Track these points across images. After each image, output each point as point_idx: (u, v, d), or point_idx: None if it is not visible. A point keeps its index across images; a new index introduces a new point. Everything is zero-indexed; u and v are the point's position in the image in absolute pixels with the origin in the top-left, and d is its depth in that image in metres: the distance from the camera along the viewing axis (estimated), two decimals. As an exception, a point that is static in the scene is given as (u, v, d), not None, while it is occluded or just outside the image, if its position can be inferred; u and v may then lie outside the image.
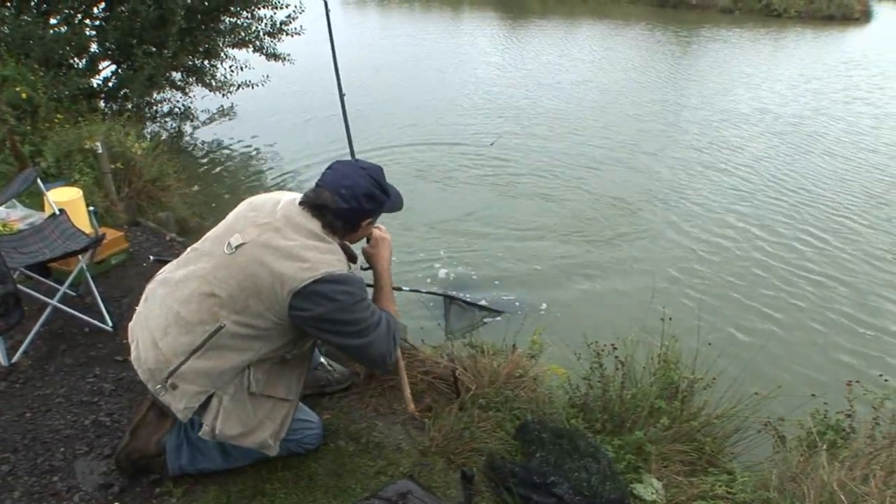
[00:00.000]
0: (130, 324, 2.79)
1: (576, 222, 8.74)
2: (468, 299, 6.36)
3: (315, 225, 2.51)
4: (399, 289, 5.27)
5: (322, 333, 2.53)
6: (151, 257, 5.17)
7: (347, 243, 2.70)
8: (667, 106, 15.07)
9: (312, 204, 2.53)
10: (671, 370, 3.61)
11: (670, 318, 3.81)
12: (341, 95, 3.70)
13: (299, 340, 2.64)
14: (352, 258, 2.70)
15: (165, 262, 4.45)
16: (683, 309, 6.48)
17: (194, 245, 2.72)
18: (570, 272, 7.38)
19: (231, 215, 2.69)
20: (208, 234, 2.70)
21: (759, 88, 16.81)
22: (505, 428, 3.32)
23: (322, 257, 2.43)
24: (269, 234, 2.46)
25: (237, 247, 2.47)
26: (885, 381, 3.87)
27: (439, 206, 9.09)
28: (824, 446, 3.16)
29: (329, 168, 2.62)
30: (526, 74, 17.82)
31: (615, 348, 3.64)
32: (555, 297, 6.79)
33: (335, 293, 2.41)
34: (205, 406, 2.60)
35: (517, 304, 6.53)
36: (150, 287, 2.79)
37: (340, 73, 3.88)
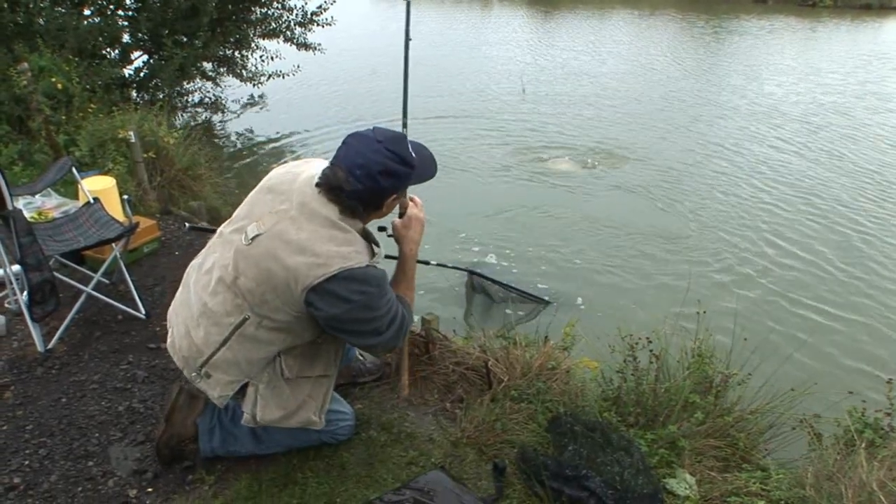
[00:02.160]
0: (170, 309, 2.75)
1: (612, 216, 8.67)
2: (494, 278, 6.32)
3: (331, 211, 2.30)
4: (427, 262, 5.27)
5: (336, 332, 2.43)
6: (187, 224, 5.18)
7: (369, 229, 2.49)
8: (701, 98, 14.92)
9: (328, 186, 2.31)
10: (705, 364, 3.56)
11: (704, 312, 3.77)
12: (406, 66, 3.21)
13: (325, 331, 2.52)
14: (374, 245, 2.46)
15: (200, 230, 4.53)
16: (719, 303, 6.42)
17: (222, 227, 2.60)
18: (605, 265, 7.32)
19: (252, 194, 2.54)
20: (235, 213, 2.57)
21: (795, 79, 16.59)
22: (537, 420, 3.30)
23: (337, 250, 2.25)
24: (283, 224, 2.30)
25: (253, 238, 2.33)
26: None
27: (477, 194, 9.11)
28: (863, 445, 3.10)
29: (343, 143, 2.37)
30: (558, 65, 17.72)
31: (650, 341, 3.60)
32: (589, 289, 6.74)
33: (350, 293, 2.26)
34: (242, 393, 2.59)
35: (547, 296, 6.48)
36: (187, 272, 2.72)
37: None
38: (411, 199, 2.74)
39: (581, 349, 3.87)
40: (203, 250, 2.71)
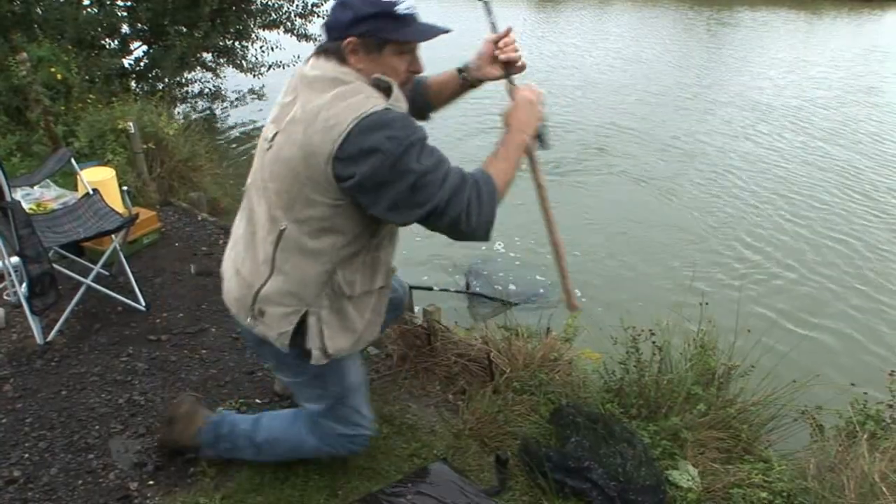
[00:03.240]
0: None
1: (614, 206, 8.65)
2: (493, 295, 6.31)
3: (330, 67, 2.03)
4: (430, 288, 5.27)
5: (379, 209, 2.01)
6: (192, 267, 4.88)
7: (383, 78, 2.06)
8: (701, 89, 14.87)
9: (321, 47, 2.09)
10: (708, 356, 3.55)
11: (707, 303, 3.75)
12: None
13: (374, 223, 2.16)
14: (386, 90, 2.05)
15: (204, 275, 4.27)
16: (722, 295, 6.40)
17: None
18: (606, 257, 7.31)
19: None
20: None
21: (794, 73, 16.54)
22: (539, 412, 3.29)
23: (346, 103, 1.94)
24: (293, 108, 2.06)
25: (272, 137, 2.12)
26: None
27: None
28: (864, 436, 3.09)
29: None
30: (554, 58, 17.68)
31: (653, 333, 3.59)
32: (590, 281, 6.72)
33: (374, 142, 1.89)
34: (302, 332, 2.26)
35: (542, 290, 6.46)
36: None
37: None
38: (524, 88, 2.35)
39: (583, 341, 3.86)
40: None
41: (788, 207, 8.78)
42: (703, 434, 3.24)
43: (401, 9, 1.99)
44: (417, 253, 6.69)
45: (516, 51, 2.38)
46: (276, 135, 2.10)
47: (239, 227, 2.39)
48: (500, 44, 2.37)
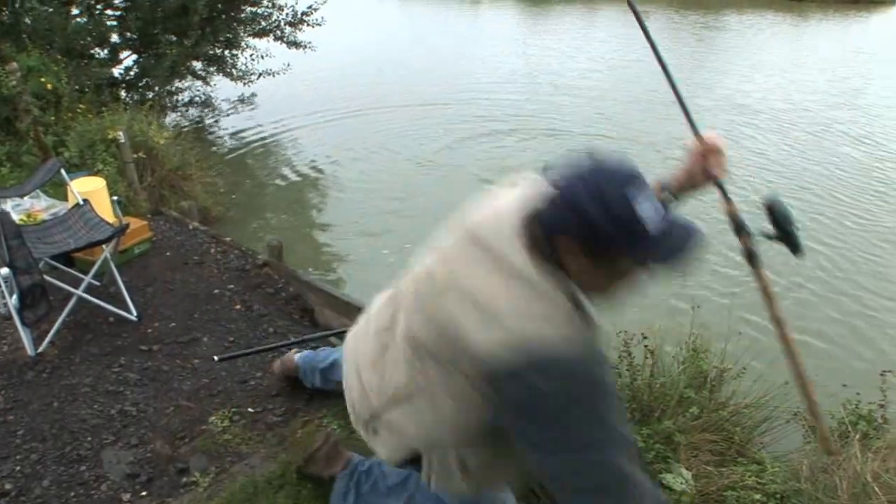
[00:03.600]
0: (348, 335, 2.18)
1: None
2: None
3: (519, 249, 1.52)
4: None
5: (516, 438, 1.57)
6: (215, 358, 4.09)
7: (581, 296, 1.55)
8: (686, 93, 14.76)
9: (531, 214, 1.55)
10: (700, 359, 3.56)
11: (699, 307, 3.76)
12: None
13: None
14: (585, 314, 1.55)
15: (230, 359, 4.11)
16: (713, 300, 6.40)
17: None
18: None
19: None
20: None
21: (775, 76, 16.61)
22: (533, 417, 3.28)
23: (521, 310, 1.46)
24: (453, 261, 1.61)
25: (419, 279, 1.72)
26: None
27: (440, 191, 9.10)
28: (857, 437, 3.10)
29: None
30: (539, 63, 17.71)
31: (645, 337, 3.60)
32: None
33: (539, 382, 1.43)
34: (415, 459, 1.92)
35: None
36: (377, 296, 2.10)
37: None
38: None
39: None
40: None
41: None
42: (697, 437, 3.25)
43: (653, 226, 1.44)
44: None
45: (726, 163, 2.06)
46: (424, 276, 1.71)
47: (373, 314, 2.06)
48: (711, 159, 2.06)
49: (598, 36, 21.37)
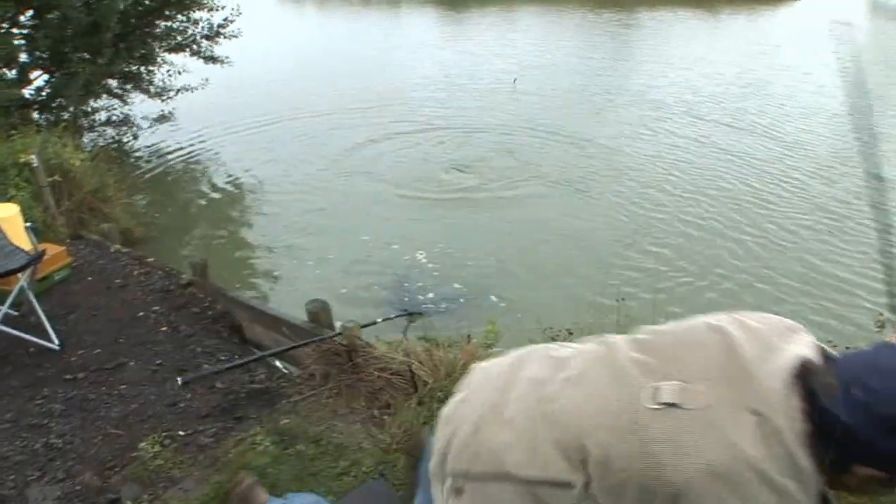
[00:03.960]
0: (456, 404, 1.62)
1: (518, 207, 8.74)
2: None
3: (806, 455, 1.20)
4: (374, 322, 5.26)
5: None
6: (179, 380, 3.94)
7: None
8: (601, 91, 15.15)
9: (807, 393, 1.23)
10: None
11: (623, 299, 3.83)
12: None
13: None
14: None
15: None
16: (639, 288, 6.50)
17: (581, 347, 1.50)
18: (522, 261, 7.36)
19: (665, 332, 1.44)
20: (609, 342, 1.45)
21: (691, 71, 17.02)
22: (465, 420, 3.30)
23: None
24: (724, 411, 1.24)
25: (667, 404, 1.26)
26: (834, 346, 3.90)
27: (380, 195, 9.13)
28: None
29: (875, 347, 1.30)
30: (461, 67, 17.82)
31: (570, 332, 3.64)
32: (509, 285, 6.78)
33: None
34: None
35: (462, 299, 6.49)
36: (500, 369, 1.58)
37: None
38: None
39: (504, 344, 3.87)
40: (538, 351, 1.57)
41: (693, 203, 8.91)
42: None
43: None
44: (350, 289, 6.69)
45: None
46: (676, 407, 1.27)
47: (513, 395, 1.52)
48: None
49: (515, 38, 21.57)
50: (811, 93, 14.64)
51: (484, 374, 1.61)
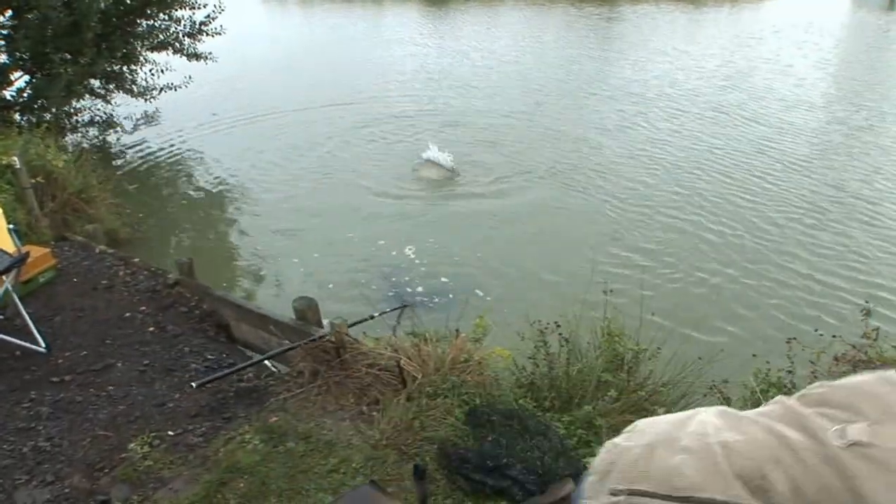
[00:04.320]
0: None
1: (510, 208, 8.74)
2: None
3: None
4: (371, 317, 5.25)
5: None
6: (193, 384, 3.98)
7: None
8: (582, 84, 15.17)
9: None
10: (615, 343, 3.62)
11: (611, 291, 3.83)
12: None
13: None
14: None
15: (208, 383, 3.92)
16: (625, 282, 6.50)
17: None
18: (508, 256, 7.36)
19: (850, 383, 1.26)
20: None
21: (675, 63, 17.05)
22: (454, 414, 3.31)
23: None
24: None
25: (857, 443, 1.18)
26: (821, 335, 3.93)
27: (361, 193, 9.12)
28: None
29: None
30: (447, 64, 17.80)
31: (558, 326, 3.65)
32: (495, 280, 6.78)
33: None
34: None
35: (451, 294, 6.49)
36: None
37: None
38: None
39: (492, 339, 3.88)
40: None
41: (677, 197, 8.93)
42: (617, 419, 3.31)
43: None
44: (337, 286, 6.67)
45: None
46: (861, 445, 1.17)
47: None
48: None
49: (495, 34, 21.58)
50: (792, 85, 14.70)
51: (652, 419, 1.46)
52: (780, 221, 8.13)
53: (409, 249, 7.36)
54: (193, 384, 3.74)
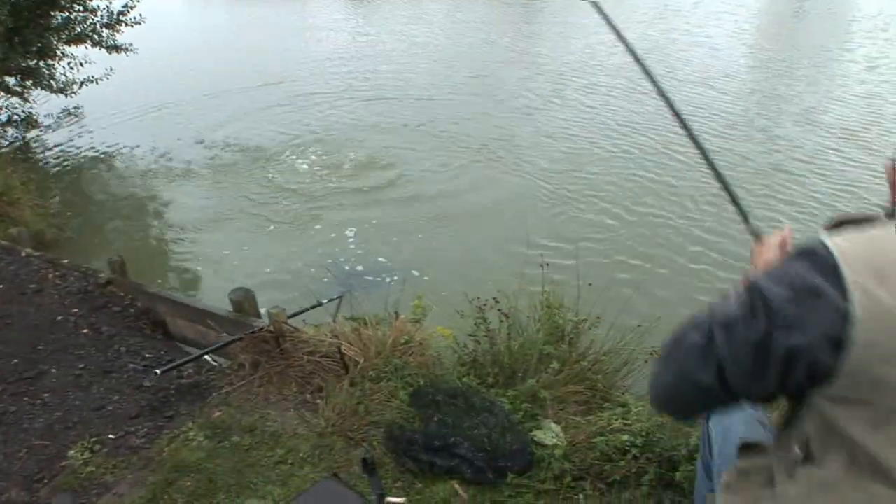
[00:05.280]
0: None
1: (434, 183, 8.78)
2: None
3: None
4: (312, 307, 5.17)
5: None
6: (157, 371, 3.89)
7: None
8: (510, 61, 15.25)
9: None
10: (555, 315, 3.65)
11: (548, 265, 3.85)
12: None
13: None
14: None
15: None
16: (562, 256, 6.54)
17: None
18: (442, 235, 7.37)
19: None
20: None
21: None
22: (399, 397, 3.30)
23: None
24: None
25: None
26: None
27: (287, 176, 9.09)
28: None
29: None
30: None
31: (497, 301, 3.66)
32: (432, 260, 6.78)
33: None
34: None
35: (387, 277, 6.48)
36: None
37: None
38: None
39: (432, 319, 3.88)
40: None
41: (606, 170, 9.02)
42: (561, 391, 3.34)
43: None
44: (273, 274, 6.63)
45: None
46: None
47: None
48: None
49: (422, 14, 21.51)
50: (708, 56, 14.97)
51: None
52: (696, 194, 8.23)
53: (350, 232, 7.32)
54: (157, 371, 3.66)
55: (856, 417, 1.11)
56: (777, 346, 1.08)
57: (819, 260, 1.09)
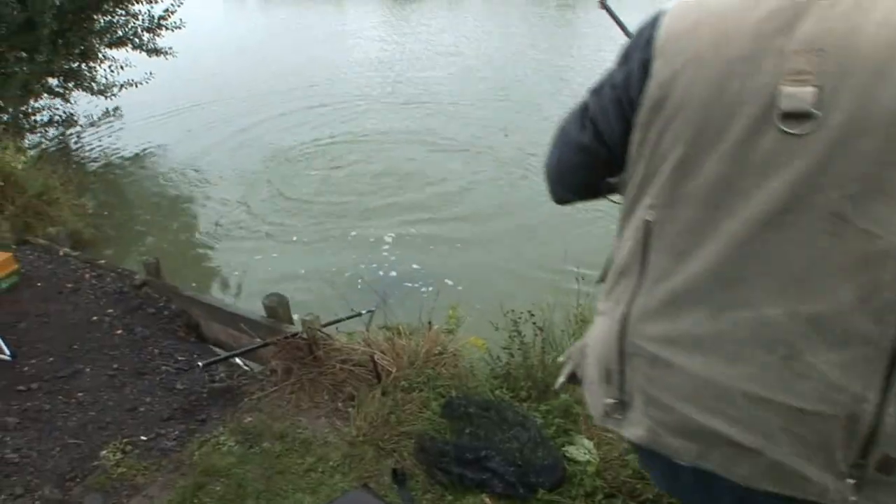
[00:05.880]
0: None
1: (467, 194, 8.76)
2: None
3: None
4: (340, 320, 5.16)
5: None
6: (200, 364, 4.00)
7: None
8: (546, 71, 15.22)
9: None
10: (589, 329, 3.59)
11: (583, 278, 3.81)
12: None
13: None
14: None
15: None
16: (597, 268, 6.43)
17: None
18: (477, 246, 7.34)
19: None
20: None
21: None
22: (430, 407, 3.28)
23: None
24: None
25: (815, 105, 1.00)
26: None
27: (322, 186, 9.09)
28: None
29: None
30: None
31: (532, 315, 3.62)
32: (467, 272, 6.75)
33: None
34: None
35: (421, 281, 6.47)
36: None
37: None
38: None
39: (466, 330, 3.86)
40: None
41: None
42: (594, 406, 3.29)
43: None
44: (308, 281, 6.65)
45: None
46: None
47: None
48: None
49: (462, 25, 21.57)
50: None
51: None
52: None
53: (388, 237, 7.33)
54: (200, 364, 3.79)
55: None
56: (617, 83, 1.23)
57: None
